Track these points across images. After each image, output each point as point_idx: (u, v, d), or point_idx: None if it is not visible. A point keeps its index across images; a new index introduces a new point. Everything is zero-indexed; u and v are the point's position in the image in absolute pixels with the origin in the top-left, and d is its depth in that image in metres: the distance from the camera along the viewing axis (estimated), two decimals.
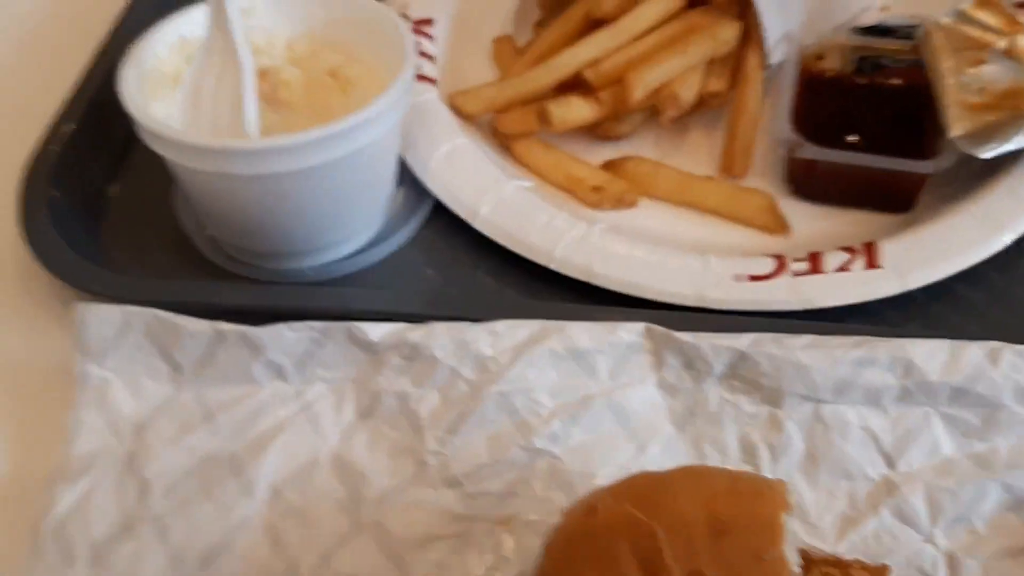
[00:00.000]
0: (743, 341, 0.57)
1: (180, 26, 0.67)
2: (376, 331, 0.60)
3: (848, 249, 0.66)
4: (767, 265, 0.65)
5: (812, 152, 0.69)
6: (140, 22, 0.79)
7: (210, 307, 0.64)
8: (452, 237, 0.72)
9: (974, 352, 0.56)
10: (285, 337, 0.60)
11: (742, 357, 0.57)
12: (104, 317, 0.61)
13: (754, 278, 0.65)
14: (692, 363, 0.58)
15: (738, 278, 0.65)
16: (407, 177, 0.73)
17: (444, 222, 0.72)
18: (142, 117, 0.60)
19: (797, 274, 0.65)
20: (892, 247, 0.65)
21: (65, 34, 0.88)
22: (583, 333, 0.58)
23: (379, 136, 0.63)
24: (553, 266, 0.67)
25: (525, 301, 0.67)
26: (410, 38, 0.66)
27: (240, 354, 0.60)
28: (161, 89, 0.66)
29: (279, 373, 0.60)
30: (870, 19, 0.84)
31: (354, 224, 0.69)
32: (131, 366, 0.62)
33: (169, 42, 0.67)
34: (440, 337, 0.59)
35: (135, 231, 0.72)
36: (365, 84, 0.68)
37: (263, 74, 0.68)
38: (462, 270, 0.70)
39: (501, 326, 0.59)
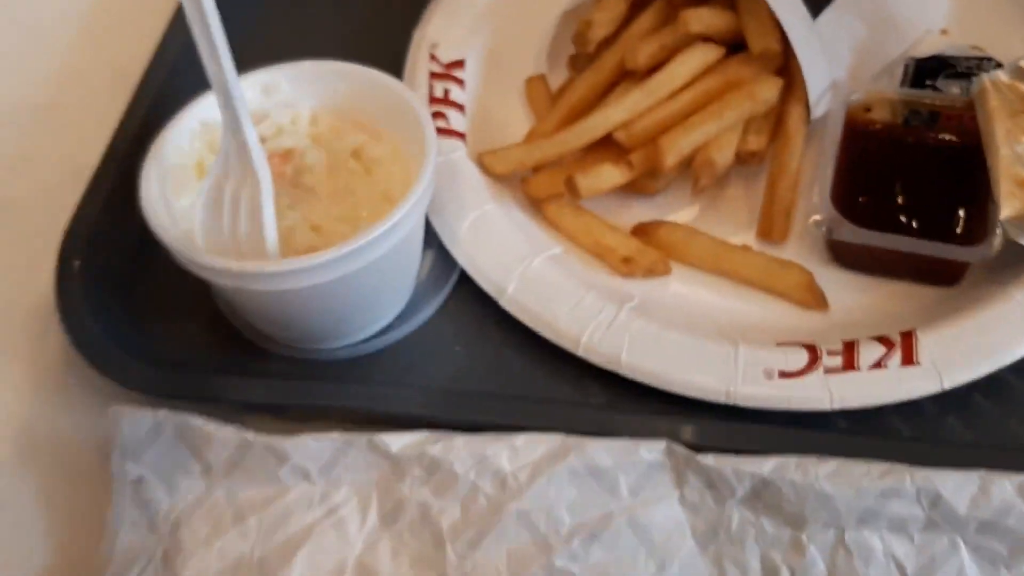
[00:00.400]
0: (766, 467, 0.56)
1: (200, 111, 0.66)
2: (396, 442, 0.60)
3: (884, 341, 0.63)
4: (799, 359, 0.63)
5: (851, 234, 0.66)
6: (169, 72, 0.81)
7: (240, 403, 0.66)
8: (480, 309, 0.71)
9: (1005, 486, 0.54)
10: (309, 446, 0.61)
11: (764, 483, 0.56)
12: (137, 419, 0.63)
13: (785, 375, 0.63)
14: (714, 483, 0.57)
15: (768, 374, 0.63)
16: (435, 240, 0.72)
17: (472, 291, 0.71)
18: (162, 232, 0.60)
19: (830, 371, 0.63)
20: (932, 340, 0.63)
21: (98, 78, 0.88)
22: (603, 452, 0.58)
23: (404, 235, 0.62)
24: (580, 353, 0.66)
25: (551, 386, 0.67)
26: (430, 125, 0.64)
27: (267, 459, 0.62)
28: (186, 181, 0.65)
29: (305, 476, 0.62)
30: (928, 48, 0.79)
31: (382, 309, 0.69)
32: (165, 463, 0.63)
33: (190, 130, 0.66)
34: (460, 451, 0.59)
35: (169, 306, 0.73)
36: (388, 164, 0.67)
37: (286, 156, 0.67)
38: (489, 347, 0.69)
39: (521, 441, 0.59)
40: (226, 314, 0.71)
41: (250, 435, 0.62)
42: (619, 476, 0.58)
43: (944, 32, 0.81)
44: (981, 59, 0.76)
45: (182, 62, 0.78)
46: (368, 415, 0.65)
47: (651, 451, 0.58)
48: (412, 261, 0.69)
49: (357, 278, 0.61)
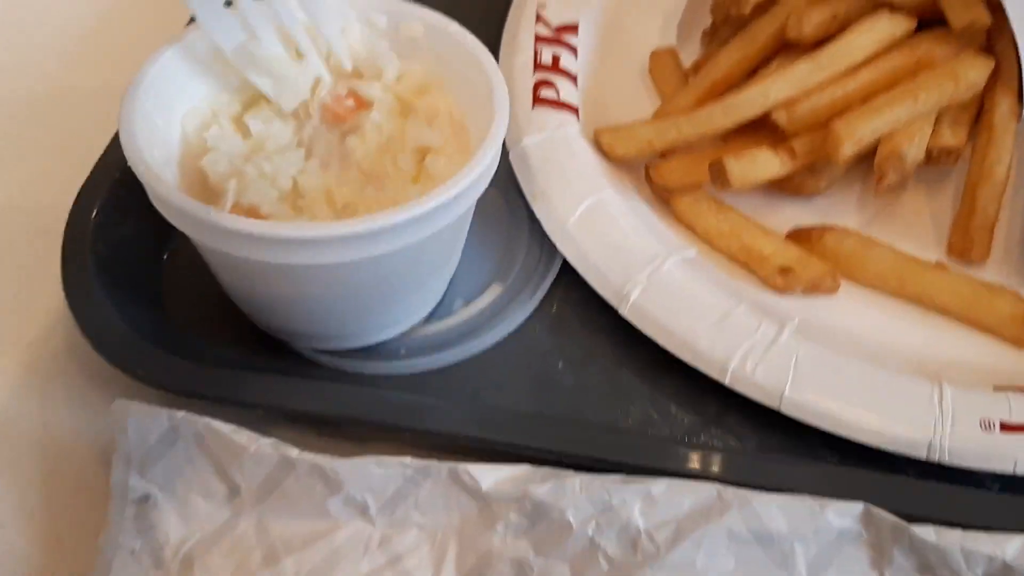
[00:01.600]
0: (1009, 548, 0.40)
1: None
2: (488, 477, 0.45)
3: None
4: None
5: None
6: None
7: (282, 410, 0.51)
8: (592, 317, 0.56)
9: None
10: (371, 474, 0.46)
11: (1006, 570, 0.40)
12: (148, 420, 0.48)
13: (1009, 427, 0.47)
14: (932, 567, 0.41)
15: (986, 425, 0.47)
16: (526, 229, 0.58)
17: (581, 294, 0.56)
18: (156, 184, 0.45)
19: None
20: None
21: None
22: (776, 511, 0.42)
23: (451, 221, 0.47)
24: (727, 382, 0.51)
25: (685, 422, 0.52)
26: (504, 107, 0.49)
27: (313, 485, 0.46)
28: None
29: (362, 511, 0.46)
30: None
31: (407, 306, 0.55)
32: (180, 480, 0.48)
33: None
34: (574, 495, 0.44)
35: (194, 295, 0.58)
36: (440, 180, 0.51)
37: (360, 104, 0.52)
38: (601, 366, 0.54)
39: (660, 488, 0.43)
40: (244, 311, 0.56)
41: (294, 452, 0.46)
42: (795, 546, 0.42)
43: None
44: None
45: None
46: (446, 441, 0.50)
47: (843, 516, 0.42)
48: (461, 242, 0.54)
49: (389, 262, 0.46)
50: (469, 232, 0.54)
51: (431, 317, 0.56)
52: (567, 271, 0.57)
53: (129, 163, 0.46)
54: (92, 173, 0.58)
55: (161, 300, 0.57)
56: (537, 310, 0.57)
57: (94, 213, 0.56)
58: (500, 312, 0.56)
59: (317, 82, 0.51)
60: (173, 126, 0.50)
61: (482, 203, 0.49)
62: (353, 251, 0.44)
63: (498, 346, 0.55)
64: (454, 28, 0.52)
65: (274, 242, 0.44)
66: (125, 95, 0.48)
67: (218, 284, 0.55)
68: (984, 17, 0.57)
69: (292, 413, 0.51)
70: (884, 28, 0.58)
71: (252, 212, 0.48)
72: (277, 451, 0.46)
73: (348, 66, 0.52)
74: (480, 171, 0.46)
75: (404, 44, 0.53)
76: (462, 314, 0.56)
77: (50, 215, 0.57)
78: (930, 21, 0.60)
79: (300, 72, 0.51)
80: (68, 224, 0.56)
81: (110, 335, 0.53)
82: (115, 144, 0.60)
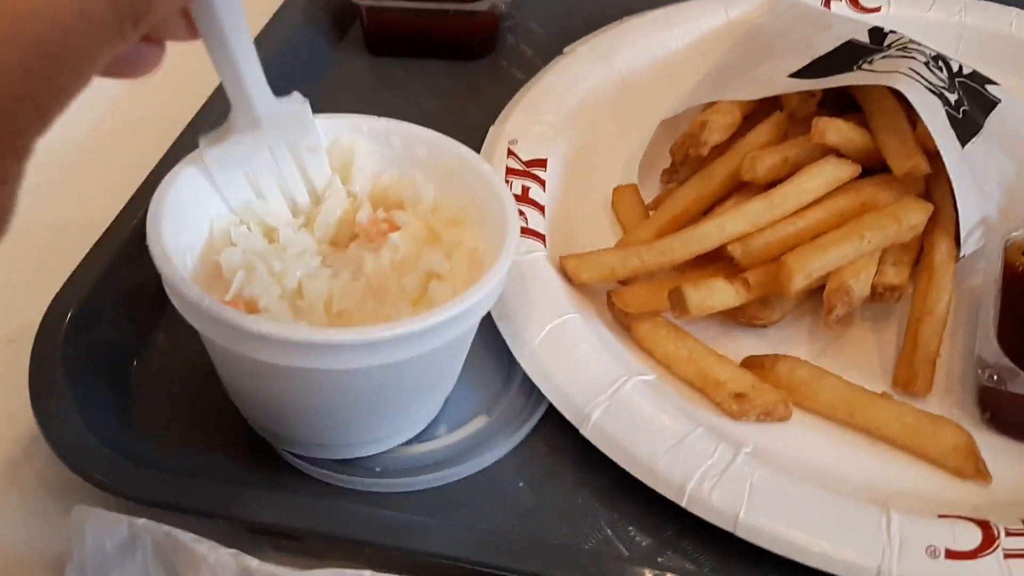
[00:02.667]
0: None
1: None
2: None
3: None
4: (971, 537, 0.50)
5: None
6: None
7: (243, 521, 0.50)
8: (555, 438, 0.57)
9: None
10: None
11: None
12: (107, 527, 0.48)
13: (954, 554, 0.49)
14: None
15: (932, 552, 0.49)
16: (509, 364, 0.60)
17: (546, 415, 0.58)
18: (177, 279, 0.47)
19: (1011, 554, 0.49)
20: None
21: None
22: None
23: (456, 335, 0.49)
24: (685, 504, 0.52)
25: (642, 544, 0.52)
26: (511, 250, 0.51)
27: None
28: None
29: None
30: None
31: (418, 416, 0.56)
32: None
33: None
34: None
35: (162, 404, 0.58)
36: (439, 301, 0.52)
37: (391, 227, 0.55)
38: (562, 487, 0.55)
39: None
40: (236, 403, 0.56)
41: (253, 563, 0.46)
42: None
43: None
44: None
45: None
46: (404, 557, 0.50)
47: None
48: (453, 370, 0.56)
49: (400, 369, 0.48)
50: (466, 360, 0.55)
51: (413, 440, 0.56)
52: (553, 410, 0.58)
53: (148, 240, 0.47)
54: (69, 280, 0.59)
55: (128, 407, 0.57)
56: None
57: (67, 319, 0.57)
58: (480, 445, 0.57)
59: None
60: (202, 221, 0.52)
61: (484, 334, 0.51)
62: (326, 359, 0.45)
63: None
64: (486, 168, 0.55)
65: (246, 335, 0.45)
66: (165, 178, 0.50)
67: (187, 393, 0.56)
68: (923, 165, 0.62)
69: (253, 525, 0.51)
70: (831, 172, 0.62)
71: (250, 305, 0.50)
72: (236, 561, 0.46)
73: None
74: (471, 303, 0.48)
75: (440, 175, 0.56)
76: (443, 440, 0.57)
77: (24, 316, 0.58)
78: (874, 168, 0.64)
79: (296, 233, 0.54)
80: (40, 329, 0.57)
81: (72, 441, 0.53)
82: (97, 249, 0.62)
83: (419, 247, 0.53)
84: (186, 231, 0.51)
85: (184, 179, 0.51)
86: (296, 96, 0.53)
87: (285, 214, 0.55)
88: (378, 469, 0.54)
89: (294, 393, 0.49)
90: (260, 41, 0.81)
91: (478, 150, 0.71)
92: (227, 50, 0.46)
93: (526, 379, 0.58)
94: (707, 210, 0.66)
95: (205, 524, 0.49)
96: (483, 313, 0.50)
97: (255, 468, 0.54)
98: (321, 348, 0.45)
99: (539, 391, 0.57)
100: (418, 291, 0.51)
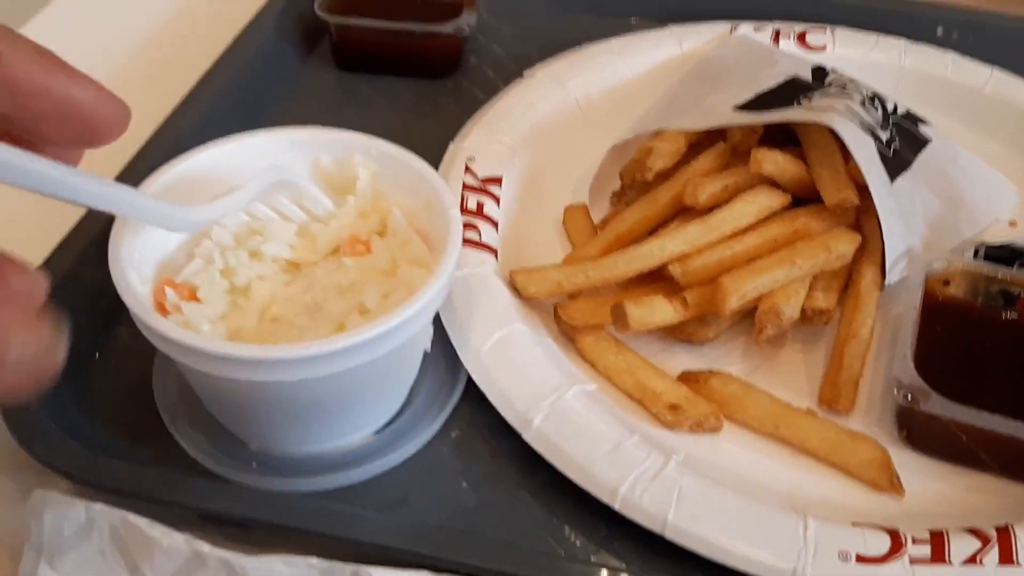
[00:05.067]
0: None
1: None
2: None
3: (978, 534, 0.54)
4: (880, 543, 0.53)
5: (941, 407, 0.57)
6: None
7: (195, 509, 0.53)
8: (496, 441, 0.60)
9: None
10: (277, 572, 0.48)
11: None
12: (65, 512, 0.50)
13: (864, 559, 0.52)
14: None
15: (844, 556, 0.52)
16: (439, 356, 0.62)
17: (488, 420, 0.61)
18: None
19: (916, 560, 0.52)
20: None
21: None
22: None
23: (406, 339, 0.52)
24: (617, 507, 0.55)
25: (576, 542, 0.56)
26: (457, 226, 0.56)
27: None
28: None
29: None
30: (997, 235, 0.74)
31: (367, 416, 0.58)
32: (90, 574, 0.50)
33: None
34: None
35: (122, 394, 0.61)
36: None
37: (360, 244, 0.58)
38: (502, 487, 0.58)
39: None
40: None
41: (205, 547, 0.49)
42: None
43: (1013, 224, 0.76)
44: None
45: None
46: (351, 548, 0.53)
47: None
48: (408, 370, 0.59)
49: (351, 376, 0.51)
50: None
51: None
52: (468, 398, 0.61)
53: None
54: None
55: (89, 398, 0.59)
56: (443, 433, 0.60)
57: None
58: (406, 433, 0.60)
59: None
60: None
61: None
62: (226, 368, 0.49)
63: (408, 464, 0.59)
64: (454, 214, 0.57)
65: (154, 334, 0.49)
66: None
67: (145, 385, 0.58)
68: (852, 197, 0.66)
69: (205, 512, 0.53)
70: (764, 200, 0.66)
71: (191, 291, 0.53)
72: (189, 546, 0.49)
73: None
74: (442, 282, 0.52)
75: (421, 207, 0.59)
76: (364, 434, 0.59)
77: None
78: (809, 198, 0.68)
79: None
80: None
81: (33, 429, 0.55)
82: (61, 249, 0.64)
83: (370, 277, 0.56)
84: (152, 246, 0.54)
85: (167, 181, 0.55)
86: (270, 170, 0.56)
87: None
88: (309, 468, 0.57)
89: (226, 395, 0.53)
90: (232, 52, 0.85)
91: (437, 165, 0.75)
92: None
93: (437, 369, 0.62)
94: (651, 231, 0.70)
95: (160, 510, 0.52)
96: (389, 344, 0.51)
97: (204, 456, 0.57)
98: (213, 358, 0.48)
99: (451, 378, 0.61)
100: (344, 318, 0.54)
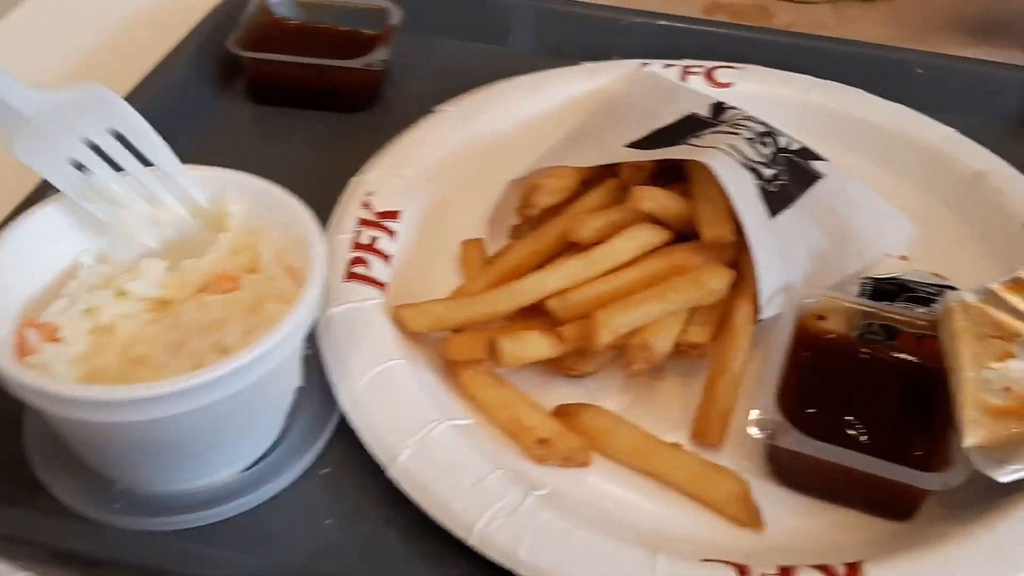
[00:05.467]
0: None
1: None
2: None
3: (827, 571, 0.54)
4: None
5: (798, 443, 0.58)
6: None
7: (47, 547, 0.53)
8: (364, 479, 0.61)
9: None
10: None
11: None
12: None
13: None
14: None
15: None
16: (322, 389, 0.63)
17: (358, 456, 0.61)
18: None
19: None
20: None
21: None
22: None
23: (270, 369, 0.53)
24: (471, 542, 0.56)
25: None
26: (320, 255, 0.57)
27: None
28: None
29: None
30: (887, 269, 0.75)
31: (232, 454, 0.59)
32: None
33: None
34: None
35: None
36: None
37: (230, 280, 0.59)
38: (366, 526, 0.59)
39: None
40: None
41: None
42: None
43: (904, 259, 0.77)
44: (943, 286, 0.71)
45: None
46: None
47: None
48: (273, 406, 0.59)
49: (208, 413, 0.51)
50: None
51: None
52: (344, 435, 0.62)
53: None
54: None
55: None
56: (312, 470, 0.61)
57: None
58: (274, 470, 0.60)
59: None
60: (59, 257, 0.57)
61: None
62: (80, 412, 0.50)
63: (272, 502, 0.59)
64: (320, 250, 0.57)
65: (14, 384, 0.50)
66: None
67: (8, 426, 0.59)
68: (728, 233, 0.67)
69: (56, 552, 0.54)
70: (644, 236, 0.67)
71: (51, 331, 0.54)
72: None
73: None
74: (302, 313, 0.53)
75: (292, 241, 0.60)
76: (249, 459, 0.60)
77: None
78: (692, 235, 0.69)
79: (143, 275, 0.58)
80: None
81: None
82: None
83: (235, 314, 0.57)
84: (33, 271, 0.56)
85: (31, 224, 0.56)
86: (89, 83, 0.57)
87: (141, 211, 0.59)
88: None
89: (82, 435, 0.54)
90: (147, 85, 0.86)
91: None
92: None
93: (311, 405, 0.62)
94: (539, 266, 0.70)
95: (11, 550, 0.52)
96: (244, 380, 0.52)
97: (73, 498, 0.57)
98: (62, 400, 0.50)
99: (324, 415, 0.62)
100: (203, 356, 0.55)
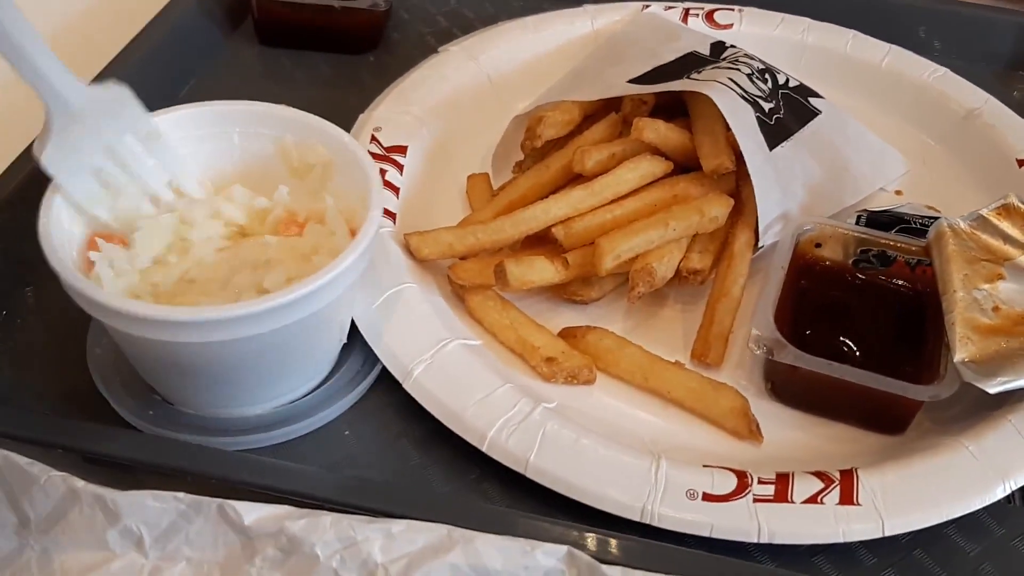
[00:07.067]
0: None
1: None
2: (251, 513, 0.51)
3: (822, 476, 0.57)
4: (726, 483, 0.56)
5: (794, 358, 0.60)
6: None
7: (86, 454, 0.56)
8: (382, 393, 0.63)
9: None
10: (147, 506, 0.51)
11: None
12: None
13: (710, 497, 0.56)
14: None
15: (691, 494, 0.56)
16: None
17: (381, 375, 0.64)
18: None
19: (760, 499, 0.56)
20: (874, 482, 0.56)
21: None
22: (494, 550, 0.49)
23: (332, 299, 0.56)
24: (484, 449, 0.58)
25: (448, 484, 0.59)
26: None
27: (94, 517, 0.51)
28: None
29: (137, 543, 0.51)
30: (881, 203, 0.77)
31: (294, 380, 0.62)
32: None
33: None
34: (325, 531, 0.50)
35: (28, 350, 0.64)
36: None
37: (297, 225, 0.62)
38: (384, 436, 0.62)
39: (399, 528, 0.50)
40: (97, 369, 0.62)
41: (79, 484, 0.52)
42: None
43: (899, 193, 0.79)
44: (936, 218, 0.73)
45: None
46: (227, 487, 0.55)
47: (549, 556, 0.49)
48: (335, 331, 0.62)
49: (239, 346, 0.54)
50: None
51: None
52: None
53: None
54: None
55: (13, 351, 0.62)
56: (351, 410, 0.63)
57: None
58: (313, 409, 0.62)
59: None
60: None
61: None
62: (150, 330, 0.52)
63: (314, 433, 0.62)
64: (375, 214, 0.58)
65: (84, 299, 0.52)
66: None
67: (52, 341, 0.61)
68: (728, 162, 0.69)
69: (86, 454, 0.56)
70: (646, 167, 0.69)
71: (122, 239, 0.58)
72: (65, 483, 0.52)
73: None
74: (365, 244, 0.55)
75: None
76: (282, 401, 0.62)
77: None
78: (694, 166, 0.71)
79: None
80: None
81: None
82: None
83: (287, 258, 0.59)
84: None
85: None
86: (111, 83, 0.58)
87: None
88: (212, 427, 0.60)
89: (159, 359, 0.56)
90: (154, 28, 0.87)
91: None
92: (18, 50, 0.52)
93: (358, 348, 0.64)
94: (543, 197, 0.73)
95: (44, 455, 0.54)
96: (275, 322, 0.54)
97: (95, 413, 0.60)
98: (107, 310, 0.52)
99: (372, 357, 0.63)
100: (241, 293, 0.57)
